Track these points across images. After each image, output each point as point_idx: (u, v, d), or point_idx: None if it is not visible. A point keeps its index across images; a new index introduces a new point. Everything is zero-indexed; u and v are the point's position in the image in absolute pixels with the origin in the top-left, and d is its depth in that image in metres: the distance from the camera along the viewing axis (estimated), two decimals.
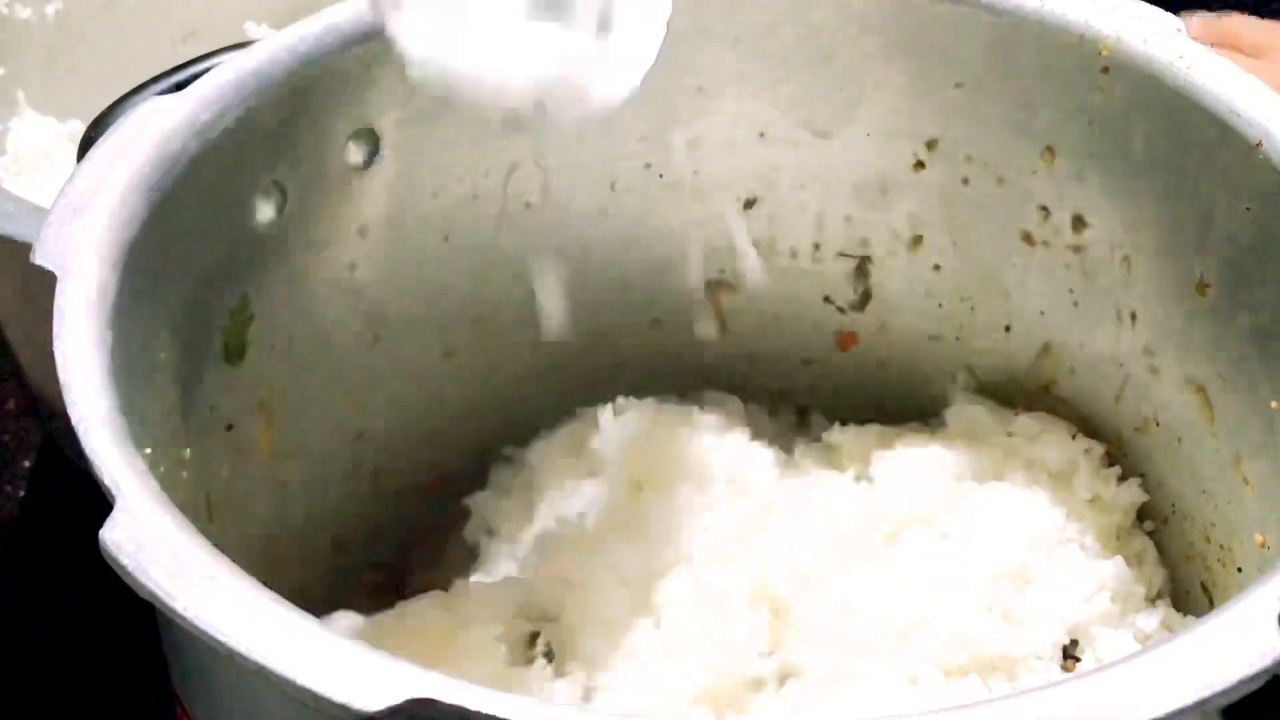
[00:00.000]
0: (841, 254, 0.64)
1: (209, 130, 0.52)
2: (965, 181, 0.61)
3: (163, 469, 0.46)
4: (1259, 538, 0.54)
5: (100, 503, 0.42)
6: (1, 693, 0.68)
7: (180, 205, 0.51)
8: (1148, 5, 0.57)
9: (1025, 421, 0.63)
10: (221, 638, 0.39)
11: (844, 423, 0.65)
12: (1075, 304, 0.61)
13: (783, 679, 0.56)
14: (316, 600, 0.58)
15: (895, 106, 0.61)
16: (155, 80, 0.61)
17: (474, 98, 0.50)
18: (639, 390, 0.64)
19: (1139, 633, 0.58)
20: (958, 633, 0.55)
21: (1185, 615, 0.59)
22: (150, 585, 0.40)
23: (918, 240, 0.63)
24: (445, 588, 0.59)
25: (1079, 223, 0.59)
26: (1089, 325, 0.61)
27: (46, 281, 0.47)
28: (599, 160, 0.62)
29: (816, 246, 0.64)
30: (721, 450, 0.61)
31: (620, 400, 0.63)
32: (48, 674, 0.69)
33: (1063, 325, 0.62)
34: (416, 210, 0.60)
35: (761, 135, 0.62)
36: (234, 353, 0.55)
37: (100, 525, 0.41)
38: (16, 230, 0.61)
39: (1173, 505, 0.60)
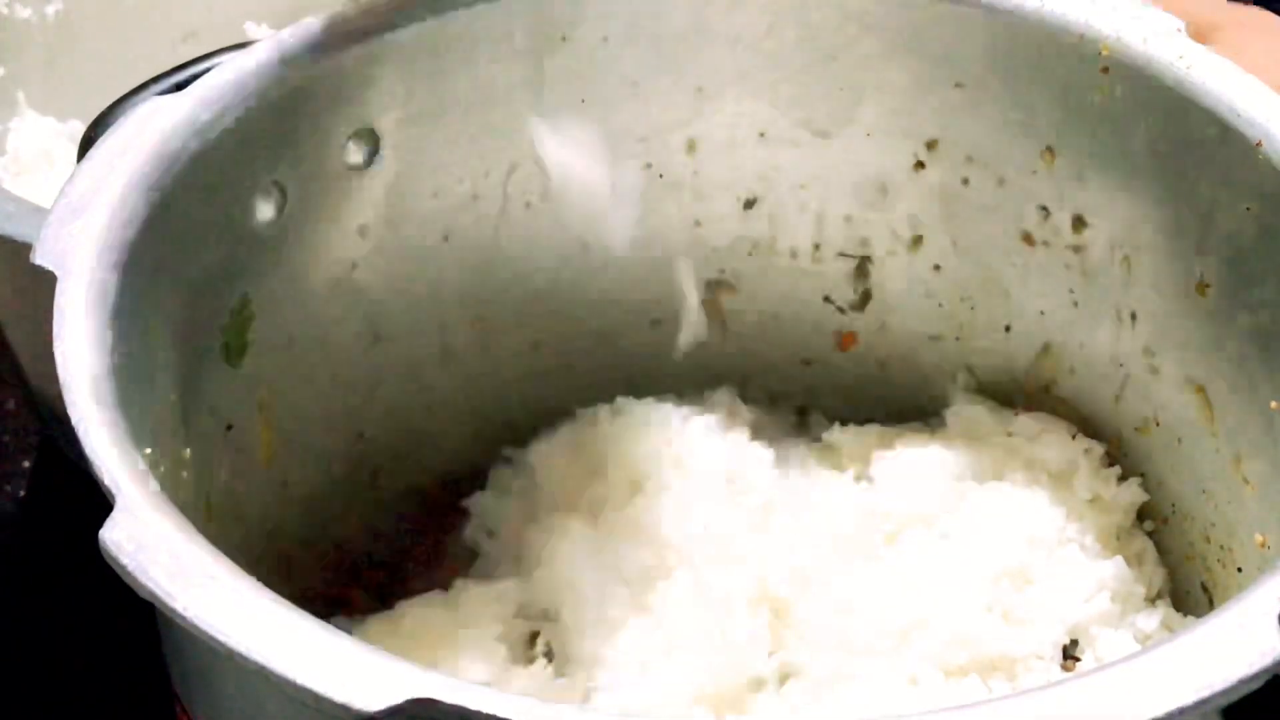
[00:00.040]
0: (841, 254, 0.64)
1: (209, 130, 0.52)
2: (965, 181, 0.61)
3: (163, 469, 0.46)
4: (1259, 538, 0.54)
5: (100, 503, 0.42)
6: (1, 693, 0.68)
7: (180, 205, 0.51)
8: (1148, 5, 0.57)
9: (1025, 421, 0.63)
10: (221, 638, 0.39)
11: (844, 423, 0.65)
12: (1075, 304, 0.61)
13: (783, 679, 0.56)
14: (316, 600, 0.58)
15: (895, 106, 0.61)
16: (155, 80, 0.61)
17: None
18: (639, 390, 0.64)
19: (1139, 633, 0.58)
20: (958, 633, 0.55)
21: (1185, 615, 0.59)
22: (150, 585, 0.40)
23: (918, 240, 0.63)
24: (445, 588, 0.59)
25: (1079, 223, 0.59)
26: (1089, 325, 0.61)
27: (46, 281, 0.47)
28: (599, 160, 0.62)
29: (816, 246, 0.64)
30: (721, 450, 0.61)
31: (620, 400, 0.63)
32: (48, 674, 0.69)
33: (1063, 325, 0.62)
34: (416, 210, 0.60)
35: (761, 135, 0.62)
36: (234, 353, 0.55)
37: (100, 525, 0.41)
38: (16, 230, 0.61)
39: (1173, 505, 0.60)
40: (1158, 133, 0.56)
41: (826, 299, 0.65)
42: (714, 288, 0.65)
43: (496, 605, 0.57)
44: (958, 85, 0.59)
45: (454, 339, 0.63)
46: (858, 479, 0.62)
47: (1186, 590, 0.60)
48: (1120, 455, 0.62)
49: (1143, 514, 0.61)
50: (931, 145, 0.61)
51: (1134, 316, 0.59)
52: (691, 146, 0.62)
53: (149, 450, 0.45)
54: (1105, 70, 0.56)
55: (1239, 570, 0.56)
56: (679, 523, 0.58)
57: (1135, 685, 0.39)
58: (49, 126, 0.79)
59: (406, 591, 0.60)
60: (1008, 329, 0.63)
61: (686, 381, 0.65)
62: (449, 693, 0.38)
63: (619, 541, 0.58)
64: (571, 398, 0.64)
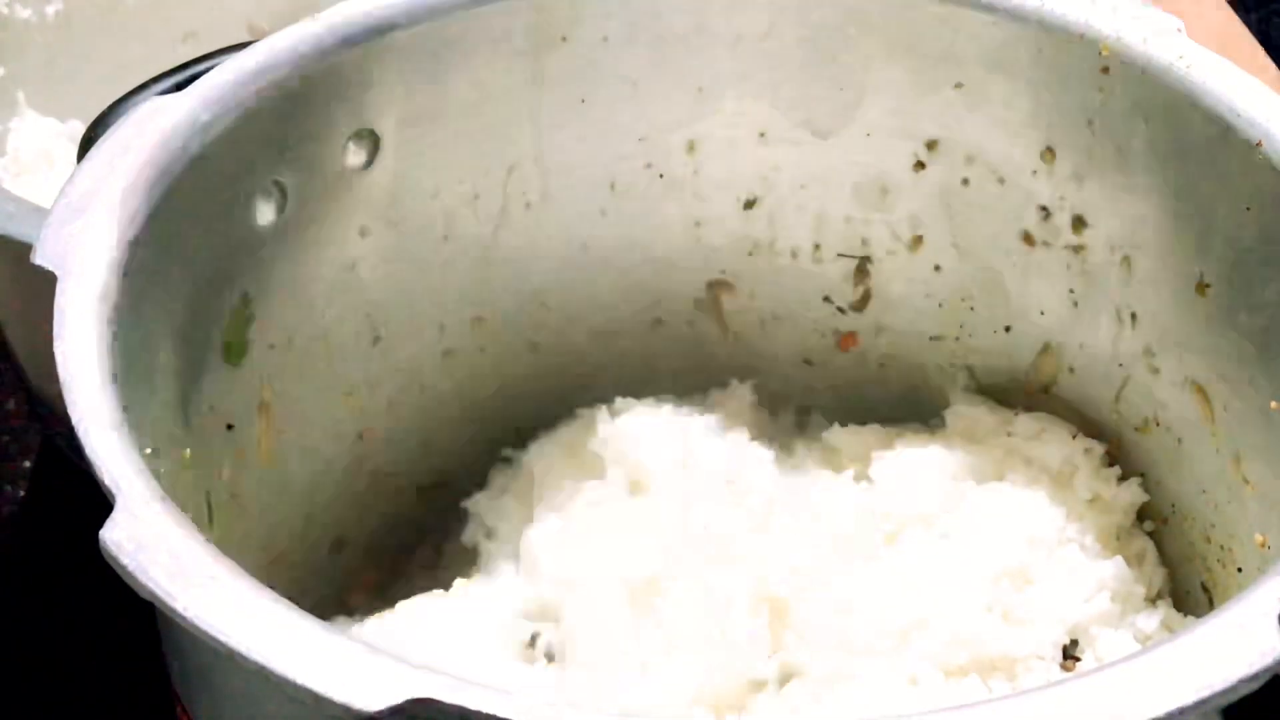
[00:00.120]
0: (841, 254, 0.64)
1: (209, 130, 0.52)
2: (965, 182, 0.61)
3: (163, 469, 0.46)
4: (1259, 538, 0.54)
5: (100, 503, 0.42)
6: (1, 693, 0.68)
7: (180, 205, 0.51)
8: (1148, 5, 0.57)
9: (1025, 421, 0.63)
10: (221, 638, 0.39)
11: (844, 423, 0.65)
12: (1075, 304, 0.61)
13: (783, 679, 0.56)
14: (316, 600, 0.58)
15: (895, 106, 0.61)
16: (155, 80, 0.61)
17: None
18: (639, 390, 0.64)
19: (1139, 633, 0.58)
20: (958, 633, 0.55)
21: (1185, 615, 0.59)
22: (150, 585, 0.40)
23: (918, 240, 0.63)
24: (445, 588, 0.59)
25: (1079, 223, 0.59)
26: (1089, 325, 0.61)
27: (46, 281, 0.47)
28: (599, 160, 0.62)
29: (816, 246, 0.64)
30: (721, 450, 0.61)
31: (620, 400, 0.63)
32: (48, 674, 0.69)
33: (1063, 325, 0.62)
34: (416, 210, 0.60)
35: (761, 135, 0.62)
36: (234, 353, 0.55)
37: (100, 525, 0.41)
38: (16, 230, 0.61)
39: (1173, 505, 0.60)
40: (1158, 133, 0.56)
41: (826, 299, 0.65)
42: (714, 288, 0.65)
43: (496, 605, 0.57)
44: (958, 85, 0.59)
45: (454, 339, 0.63)
46: (858, 479, 0.62)
47: (1186, 590, 0.60)
48: (1120, 455, 0.62)
49: (1143, 514, 0.61)
50: (931, 145, 0.61)
51: (1134, 316, 0.59)
52: (691, 146, 0.62)
53: (149, 450, 0.45)
54: (1105, 70, 0.56)
55: (1239, 570, 0.56)
56: (679, 523, 0.58)
57: (1135, 685, 0.39)
58: (49, 126, 0.79)
59: (406, 591, 0.60)
60: (1008, 329, 0.63)
61: (686, 381, 0.65)
62: (449, 693, 0.38)
63: (619, 541, 0.58)
64: (571, 398, 0.64)
